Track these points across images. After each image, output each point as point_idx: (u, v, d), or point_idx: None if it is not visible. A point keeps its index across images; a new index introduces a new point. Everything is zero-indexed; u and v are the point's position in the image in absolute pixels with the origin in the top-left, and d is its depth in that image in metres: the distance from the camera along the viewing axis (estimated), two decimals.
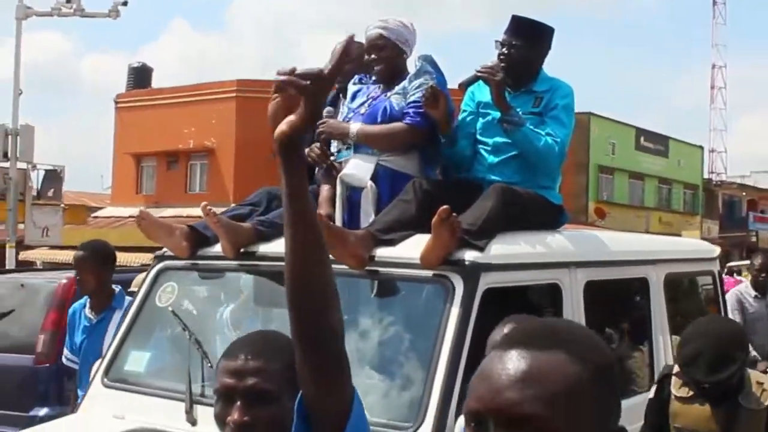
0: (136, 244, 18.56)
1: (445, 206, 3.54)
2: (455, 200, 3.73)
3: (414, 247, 3.72)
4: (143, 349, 4.46)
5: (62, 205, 19.61)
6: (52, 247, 20.61)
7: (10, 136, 16.77)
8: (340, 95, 4.78)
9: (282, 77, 1.73)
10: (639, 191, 40.80)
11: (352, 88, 4.72)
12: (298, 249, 1.74)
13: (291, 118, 1.73)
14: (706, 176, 48.47)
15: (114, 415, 4.03)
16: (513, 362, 1.24)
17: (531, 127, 4.32)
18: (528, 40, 4.48)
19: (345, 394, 1.80)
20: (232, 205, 4.79)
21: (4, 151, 16.71)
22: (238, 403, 2.01)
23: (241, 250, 4.15)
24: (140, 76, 33.68)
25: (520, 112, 4.35)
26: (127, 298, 5.57)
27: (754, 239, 42.45)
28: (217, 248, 4.24)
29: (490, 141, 4.48)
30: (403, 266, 3.73)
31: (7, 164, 17.21)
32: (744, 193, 49.99)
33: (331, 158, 4.49)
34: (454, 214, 3.57)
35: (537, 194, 4.36)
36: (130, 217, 26.75)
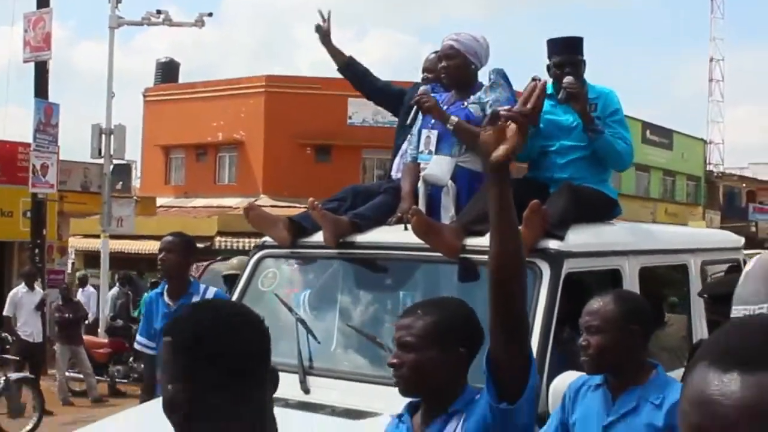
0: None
1: (535, 200, 4.05)
2: (526, 196, 4.16)
3: None
4: None
5: (135, 197, 20.91)
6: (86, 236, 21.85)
7: (104, 135, 17.43)
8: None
9: (504, 112, 2.40)
10: (645, 183, 41.33)
11: None
12: (504, 251, 2.36)
13: (505, 146, 2.34)
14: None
15: None
16: (736, 390, 1.00)
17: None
18: (578, 54, 4.91)
19: (524, 352, 2.42)
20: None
21: (99, 149, 17.42)
22: (396, 348, 2.65)
23: (340, 240, 4.66)
24: (167, 71, 34.30)
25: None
26: (201, 286, 5.98)
27: (753, 229, 42.84)
28: (314, 238, 4.76)
29: (555, 144, 4.92)
30: None
31: (100, 160, 17.91)
32: (744, 185, 50.56)
33: (413, 157, 4.96)
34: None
35: (598, 190, 4.87)
36: (160, 206, 27.27)
